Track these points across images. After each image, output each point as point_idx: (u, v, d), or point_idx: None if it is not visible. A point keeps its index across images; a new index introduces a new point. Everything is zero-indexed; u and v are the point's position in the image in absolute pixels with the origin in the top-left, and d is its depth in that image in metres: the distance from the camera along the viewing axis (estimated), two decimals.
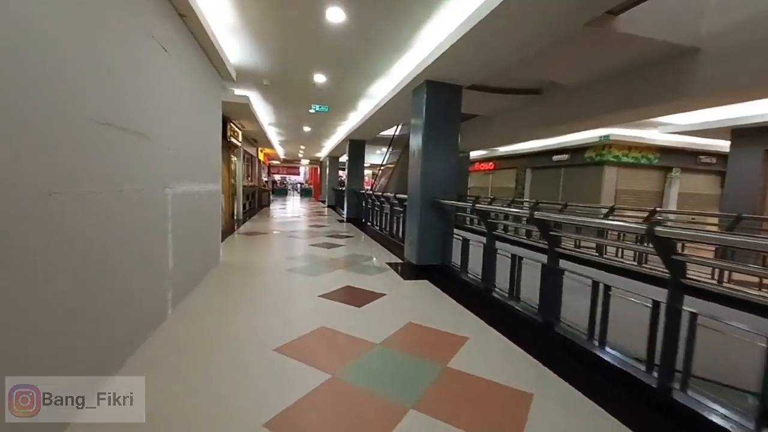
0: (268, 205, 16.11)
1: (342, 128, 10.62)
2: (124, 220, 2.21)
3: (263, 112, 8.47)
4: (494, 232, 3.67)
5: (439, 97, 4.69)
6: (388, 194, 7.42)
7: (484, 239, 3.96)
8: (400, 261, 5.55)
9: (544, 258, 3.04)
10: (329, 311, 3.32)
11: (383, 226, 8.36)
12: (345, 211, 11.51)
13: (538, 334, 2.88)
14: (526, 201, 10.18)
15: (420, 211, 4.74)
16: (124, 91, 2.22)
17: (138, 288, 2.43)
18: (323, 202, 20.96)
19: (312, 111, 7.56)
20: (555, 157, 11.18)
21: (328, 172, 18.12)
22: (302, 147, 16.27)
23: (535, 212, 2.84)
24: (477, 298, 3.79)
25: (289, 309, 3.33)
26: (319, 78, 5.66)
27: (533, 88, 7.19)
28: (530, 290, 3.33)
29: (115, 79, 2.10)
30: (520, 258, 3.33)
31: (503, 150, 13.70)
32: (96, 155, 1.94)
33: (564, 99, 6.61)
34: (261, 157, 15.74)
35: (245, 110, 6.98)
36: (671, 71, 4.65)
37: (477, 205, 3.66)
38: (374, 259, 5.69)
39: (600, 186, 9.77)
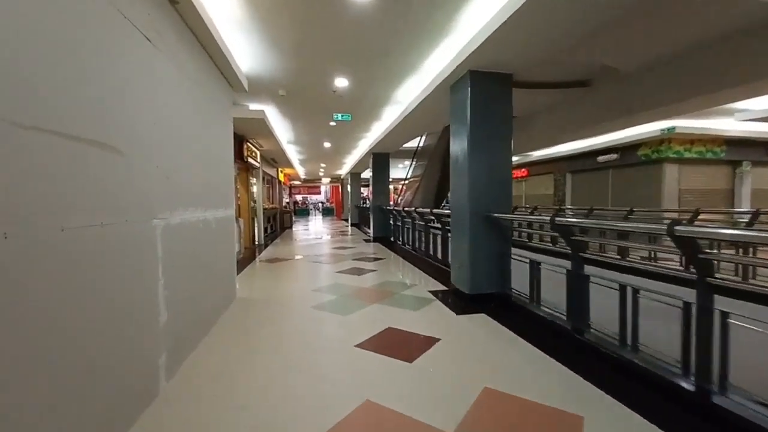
0: (291, 227, 15.61)
1: (364, 141, 9.99)
2: (75, 270, 1.50)
3: (281, 128, 7.93)
4: (583, 254, 2.77)
5: (485, 89, 3.90)
6: (422, 209, 6.60)
7: (541, 258, 3.06)
8: (443, 288, 4.68)
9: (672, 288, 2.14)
10: (372, 371, 2.49)
11: (416, 245, 7.52)
12: (371, 230, 10.77)
13: (694, 413, 1.95)
14: (577, 208, 9.09)
15: (470, 229, 3.89)
16: (76, 85, 1.54)
17: (107, 362, 1.70)
18: (346, 220, 20.39)
19: (333, 122, 6.92)
20: (601, 158, 10.08)
21: (350, 189, 17.55)
22: (322, 165, 15.81)
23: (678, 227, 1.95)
24: (563, 341, 2.87)
25: (319, 372, 2.52)
26: (341, 82, 5.00)
27: (580, 80, 6.29)
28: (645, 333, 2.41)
29: (57, 60, 1.43)
30: (635, 291, 2.40)
31: (538, 154, 12.68)
32: (19, 174, 1.24)
33: (619, 89, 5.69)
34: (281, 177, 15.38)
35: (261, 126, 6.42)
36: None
37: (558, 219, 2.78)
38: (413, 286, 4.84)
39: (660, 186, 8.59)
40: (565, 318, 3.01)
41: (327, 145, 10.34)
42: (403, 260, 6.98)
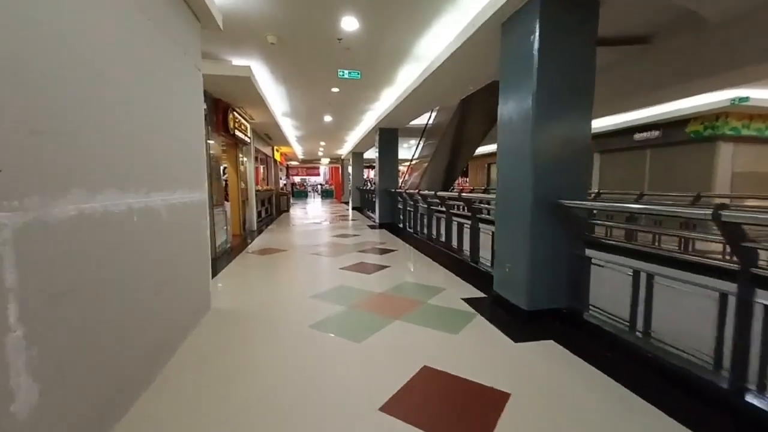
0: (288, 210, 14.50)
1: (370, 115, 8.76)
2: None
3: (274, 95, 6.70)
4: (757, 269, 1.69)
5: (562, 21, 2.72)
6: (447, 194, 5.49)
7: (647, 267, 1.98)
8: (480, 294, 3.64)
9: None
10: None
11: (433, 235, 6.45)
12: (377, 215, 9.68)
13: None
14: (621, 193, 7.96)
15: (531, 221, 2.79)
16: None
17: None
18: (346, 203, 19.27)
19: (336, 89, 5.68)
20: (638, 136, 8.89)
21: (351, 170, 16.36)
22: (322, 143, 14.56)
23: None
24: (715, 410, 1.83)
25: None
26: (349, 24, 3.79)
27: (639, 35, 5.08)
28: None
29: None
30: None
31: None
32: None
33: (692, 45, 4.51)
34: (277, 157, 14.16)
35: (248, 88, 5.21)
36: None
37: (728, 213, 1.66)
38: (441, 291, 3.79)
39: (711, 169, 7.46)
40: (711, 367, 1.96)
41: (328, 118, 9.11)
42: (418, 252, 5.91)
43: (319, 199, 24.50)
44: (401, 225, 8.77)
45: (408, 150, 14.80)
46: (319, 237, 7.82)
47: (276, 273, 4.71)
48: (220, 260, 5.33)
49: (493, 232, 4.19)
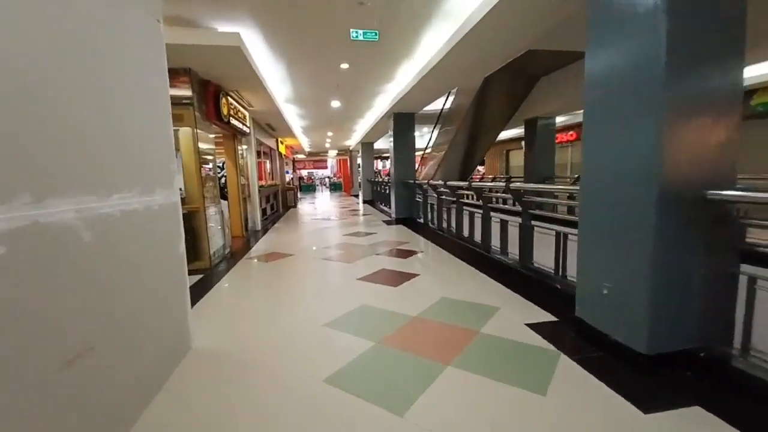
0: (295, 206, 13.68)
1: (383, 98, 7.79)
2: None
3: (273, 74, 5.78)
4: None
5: None
6: (493, 184, 4.55)
7: None
8: (550, 317, 2.73)
9: None
10: None
11: (466, 234, 5.53)
12: (392, 210, 8.76)
13: None
14: None
15: (655, 224, 1.85)
16: None
17: None
18: (356, 196, 18.39)
19: (354, 38, 4.69)
20: None
21: (360, 162, 15.43)
22: (329, 134, 13.63)
23: None
24: None
25: None
26: None
27: None
28: None
29: None
30: None
31: None
32: None
33: None
34: (283, 150, 13.29)
35: (237, 61, 4.28)
36: None
37: None
38: (494, 312, 2.89)
39: None
40: None
41: (335, 104, 8.16)
42: (449, 254, 4.99)
43: (328, 193, 23.66)
44: (421, 220, 7.85)
45: (420, 139, 13.68)
46: (330, 236, 6.95)
47: (280, 288, 3.85)
48: (215, 271, 4.50)
49: (560, 234, 3.25)
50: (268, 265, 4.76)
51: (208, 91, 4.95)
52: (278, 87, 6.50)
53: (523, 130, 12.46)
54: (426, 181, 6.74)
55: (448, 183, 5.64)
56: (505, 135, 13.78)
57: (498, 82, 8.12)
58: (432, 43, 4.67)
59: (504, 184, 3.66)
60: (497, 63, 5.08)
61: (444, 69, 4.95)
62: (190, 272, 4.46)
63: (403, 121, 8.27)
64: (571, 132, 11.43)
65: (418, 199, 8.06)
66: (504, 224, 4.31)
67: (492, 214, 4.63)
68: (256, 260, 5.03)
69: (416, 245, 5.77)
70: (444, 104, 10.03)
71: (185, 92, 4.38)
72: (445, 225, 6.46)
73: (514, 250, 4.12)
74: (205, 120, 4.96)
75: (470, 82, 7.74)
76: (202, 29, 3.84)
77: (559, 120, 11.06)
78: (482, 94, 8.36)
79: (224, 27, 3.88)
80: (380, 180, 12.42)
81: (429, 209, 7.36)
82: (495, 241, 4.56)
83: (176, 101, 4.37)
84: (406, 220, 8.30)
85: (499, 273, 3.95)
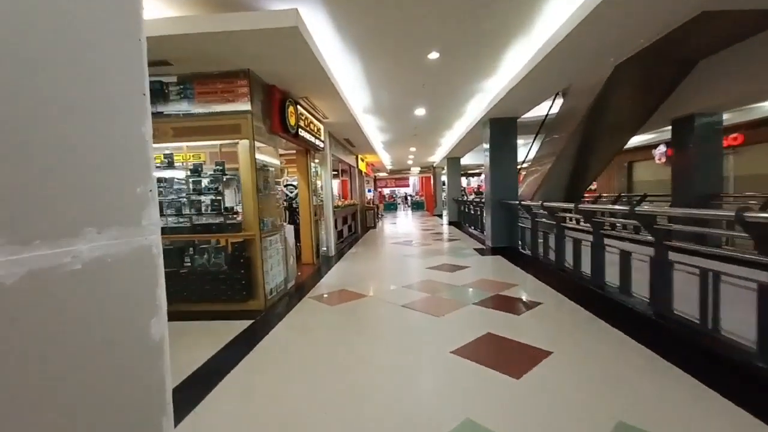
0: (375, 227, 12.86)
1: (478, 101, 6.42)
2: None
3: (347, 74, 4.88)
4: None
5: None
6: (674, 210, 2.90)
7: None
8: None
9: None
10: None
11: (618, 285, 3.78)
12: (488, 236, 7.18)
13: None
14: None
15: None
16: None
17: None
18: (439, 216, 16.97)
19: None
20: None
21: (446, 179, 14.09)
22: (412, 149, 12.63)
23: None
24: None
25: None
26: None
27: None
28: None
29: None
30: None
31: None
32: None
33: None
34: (363, 167, 12.69)
35: (296, 48, 3.37)
36: None
37: None
38: None
39: None
40: None
41: (420, 112, 7.05)
42: (592, 315, 3.31)
43: (409, 212, 22.67)
44: (527, 251, 6.14)
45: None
46: (411, 269, 5.70)
47: (344, 361, 2.68)
48: (268, 317, 3.58)
49: None
50: (333, 312, 3.69)
51: (273, 98, 4.22)
52: (355, 94, 5.63)
53: (655, 135, 9.78)
54: (539, 203, 5.09)
55: (580, 207, 3.97)
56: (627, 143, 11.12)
57: (634, 71, 6.12)
58: (557, 12, 3.22)
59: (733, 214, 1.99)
60: (649, 33, 3.39)
61: (569, 49, 3.46)
62: (240, 315, 3.71)
63: (502, 128, 6.76)
64: (735, 134, 8.45)
65: (522, 225, 6.38)
66: (706, 275, 2.55)
67: (673, 256, 2.87)
68: (320, 302, 4.01)
69: (529, 290, 4.17)
70: (549, 109, 8.24)
71: (242, 97, 3.66)
72: (566, 262, 4.71)
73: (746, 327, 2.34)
74: (270, 132, 4.23)
75: (593, 75, 5.94)
76: (255, 13, 3.03)
77: (726, 117, 8.31)
78: (608, 90, 6.42)
79: (278, 2, 3.02)
80: (469, 199, 10.87)
81: (537, 238, 5.64)
82: (686, 306, 2.78)
83: (232, 110, 3.67)
84: (506, 250, 6.65)
85: (690, 353, 2.22)
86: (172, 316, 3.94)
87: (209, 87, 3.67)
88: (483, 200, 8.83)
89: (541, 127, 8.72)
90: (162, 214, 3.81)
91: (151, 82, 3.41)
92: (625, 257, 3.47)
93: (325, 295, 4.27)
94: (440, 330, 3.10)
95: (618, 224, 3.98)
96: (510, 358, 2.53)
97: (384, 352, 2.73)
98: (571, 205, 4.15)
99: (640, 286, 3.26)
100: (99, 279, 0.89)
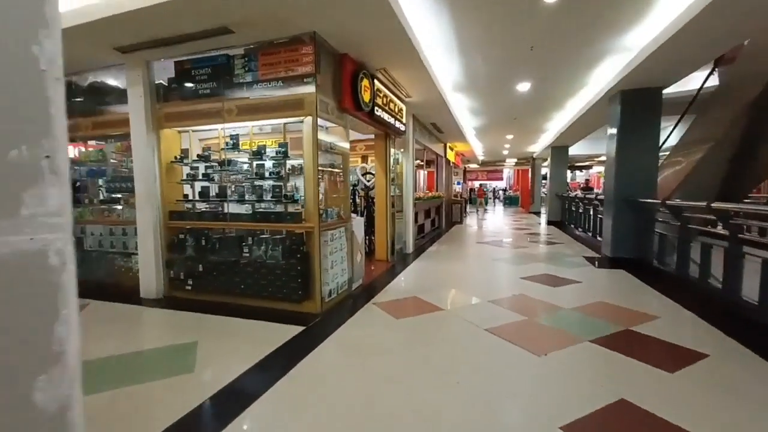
0: (461, 222, 11.79)
1: (606, 67, 4.93)
2: None
3: (432, 39, 4.04)
4: None
5: None
6: None
7: None
8: None
9: None
10: None
11: None
12: (607, 243, 5.66)
13: None
14: None
15: None
16: None
17: None
18: (536, 214, 15.00)
19: None
20: None
21: (548, 171, 12.21)
22: (509, 137, 11.12)
23: None
24: None
25: None
26: None
27: None
28: None
29: None
30: None
31: None
32: None
33: None
34: (451, 157, 11.65)
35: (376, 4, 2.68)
36: None
37: None
38: None
39: None
40: None
41: (523, 87, 5.81)
42: None
43: (500, 208, 20.74)
44: (664, 266, 4.55)
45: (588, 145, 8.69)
46: (500, 277, 4.69)
47: (392, 415, 1.97)
48: (322, 323, 3.05)
49: None
50: (397, 328, 2.99)
51: (344, 70, 3.63)
52: (442, 64, 4.75)
53: None
54: (703, 203, 3.56)
55: None
56: None
57: None
58: None
59: None
60: None
61: None
62: (293, 318, 3.21)
63: (638, 103, 5.14)
64: None
65: (661, 231, 4.77)
66: None
67: None
68: (385, 312, 3.35)
69: (683, 330, 2.87)
70: (704, 83, 6.17)
71: (305, 67, 3.13)
72: (744, 295, 3.19)
73: None
74: (339, 109, 3.67)
75: None
76: None
77: None
78: None
79: None
80: (577, 196, 9.05)
81: (685, 252, 4.07)
82: None
83: (295, 81, 3.18)
84: (631, 262, 5.10)
85: None
86: (227, 311, 3.38)
87: (272, 57, 3.23)
88: (597, 197, 7.13)
89: (689, 106, 6.61)
90: (226, 199, 3.57)
91: (216, 56, 3.05)
92: None
93: (393, 303, 3.60)
94: (542, 380, 2.15)
95: None
96: None
97: (454, 409, 1.92)
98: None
99: None
100: None
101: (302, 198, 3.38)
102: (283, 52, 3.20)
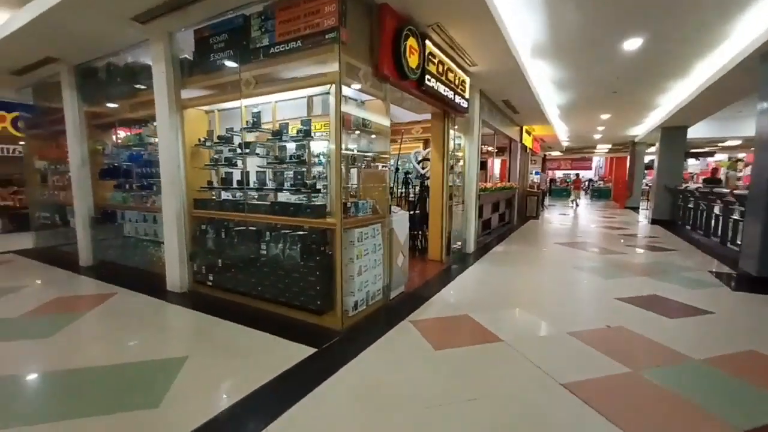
0: (537, 217, 10.29)
1: (757, 12, 3.38)
2: None
3: None
4: None
5: None
6: None
7: None
8: None
9: None
10: None
11: None
12: (749, 254, 4.10)
13: None
14: None
15: None
16: None
17: None
18: (635, 209, 12.63)
19: None
20: None
21: (656, 159, 10.00)
22: (604, 117, 9.22)
23: None
24: None
25: None
26: None
27: None
28: None
29: None
30: None
31: None
32: None
33: None
34: (528, 142, 10.12)
35: None
36: None
37: None
38: None
39: None
40: None
41: (631, 45, 4.39)
42: None
43: (586, 201, 18.09)
44: None
45: (732, 121, 6.07)
46: (585, 295, 3.59)
47: None
48: (341, 345, 2.41)
49: None
50: (432, 367, 2.20)
51: (382, 25, 2.86)
52: (519, 19, 3.69)
53: None
54: None
55: None
56: None
57: None
58: None
59: None
60: None
61: None
62: (309, 334, 2.56)
63: None
64: None
65: None
66: None
67: None
68: (422, 336, 2.59)
69: None
70: None
71: (327, 20, 2.45)
72: None
73: None
74: (376, 75, 2.93)
75: None
76: None
77: None
78: None
79: None
80: (699, 189, 7.01)
81: None
82: None
83: (315, 38, 2.52)
84: None
85: None
86: (242, 315, 2.61)
87: (291, 12, 2.61)
88: (733, 192, 5.32)
89: None
90: (243, 188, 3.11)
91: (233, 18, 2.55)
92: None
93: (435, 323, 2.82)
94: None
95: None
96: None
97: None
98: None
99: None
100: None
101: (325, 187, 2.75)
102: (303, 3, 2.56)
